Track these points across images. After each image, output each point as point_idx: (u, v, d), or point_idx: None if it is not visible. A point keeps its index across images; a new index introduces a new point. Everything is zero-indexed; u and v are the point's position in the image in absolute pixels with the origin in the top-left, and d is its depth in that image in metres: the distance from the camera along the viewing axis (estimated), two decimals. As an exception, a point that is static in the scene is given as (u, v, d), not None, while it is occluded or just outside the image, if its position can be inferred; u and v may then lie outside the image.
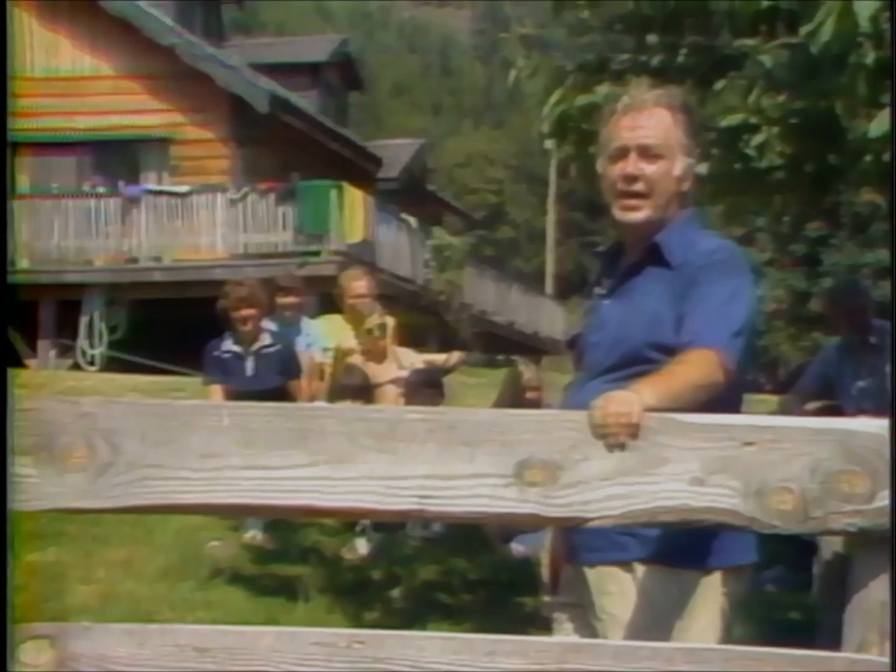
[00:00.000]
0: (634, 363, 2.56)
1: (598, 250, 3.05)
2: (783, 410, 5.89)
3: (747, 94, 4.83)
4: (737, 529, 1.82)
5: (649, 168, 2.67)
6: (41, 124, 18.26)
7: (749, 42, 4.92)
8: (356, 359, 7.10)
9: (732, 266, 2.63)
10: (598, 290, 2.84)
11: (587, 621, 2.65)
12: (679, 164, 2.69)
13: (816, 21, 3.97)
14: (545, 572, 2.95)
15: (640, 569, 2.57)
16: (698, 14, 5.20)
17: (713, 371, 2.41)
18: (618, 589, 2.59)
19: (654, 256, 2.68)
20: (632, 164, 2.67)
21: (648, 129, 2.67)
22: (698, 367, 2.41)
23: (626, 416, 1.95)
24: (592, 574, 2.64)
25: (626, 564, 2.58)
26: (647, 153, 2.67)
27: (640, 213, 2.69)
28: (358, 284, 7.35)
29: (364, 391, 6.85)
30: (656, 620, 2.53)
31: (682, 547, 2.52)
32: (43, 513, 1.82)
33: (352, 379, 6.94)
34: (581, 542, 2.65)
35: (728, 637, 2.53)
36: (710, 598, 2.56)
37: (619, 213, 2.71)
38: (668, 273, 2.64)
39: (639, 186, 2.67)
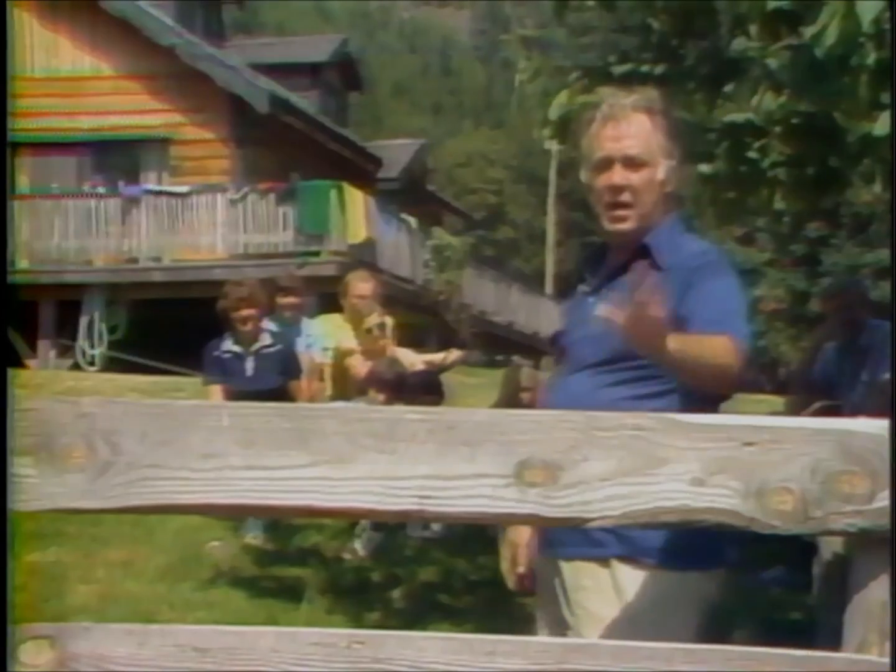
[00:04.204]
0: (625, 359, 2.58)
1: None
2: (789, 411, 5.90)
3: (752, 96, 4.83)
4: (737, 530, 1.82)
5: (634, 177, 2.70)
6: (41, 124, 18.28)
7: (754, 45, 4.91)
8: (357, 359, 7.09)
9: (723, 266, 2.71)
10: (581, 288, 2.87)
11: (559, 616, 2.65)
12: (662, 168, 2.72)
13: (820, 23, 3.96)
14: (509, 575, 2.94)
15: (617, 566, 2.58)
16: (703, 16, 5.20)
17: (730, 355, 2.48)
18: (593, 584, 2.59)
19: (643, 258, 2.70)
20: (618, 176, 2.70)
21: (631, 139, 2.69)
22: (719, 346, 2.48)
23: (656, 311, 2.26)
24: (568, 568, 2.64)
25: (603, 560, 2.59)
26: (631, 163, 2.69)
27: (627, 224, 2.72)
28: (364, 285, 7.35)
29: (399, 383, 6.76)
30: (631, 618, 2.52)
31: (660, 546, 2.53)
32: (43, 513, 1.81)
33: (390, 371, 6.86)
34: (556, 536, 2.66)
35: (700, 638, 2.52)
36: (686, 598, 2.56)
37: (607, 224, 2.75)
38: (657, 274, 2.65)
39: (625, 196, 2.70)
